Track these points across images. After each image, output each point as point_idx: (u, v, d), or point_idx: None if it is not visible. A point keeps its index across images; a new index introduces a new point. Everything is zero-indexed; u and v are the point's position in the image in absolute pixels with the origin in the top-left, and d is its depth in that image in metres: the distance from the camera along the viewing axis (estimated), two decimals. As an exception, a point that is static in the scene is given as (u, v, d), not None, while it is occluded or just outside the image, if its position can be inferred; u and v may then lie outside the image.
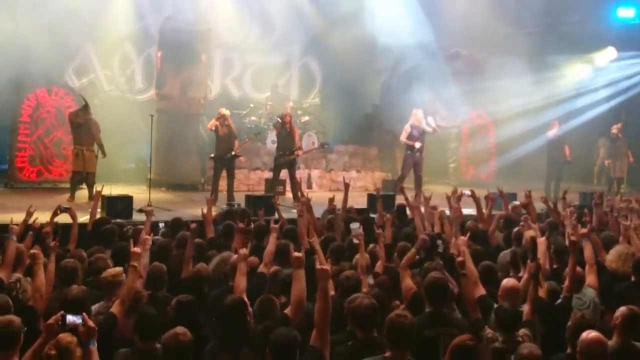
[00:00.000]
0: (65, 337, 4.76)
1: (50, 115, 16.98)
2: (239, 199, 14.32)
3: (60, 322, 4.68)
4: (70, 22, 16.68)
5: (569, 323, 5.64)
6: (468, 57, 21.76)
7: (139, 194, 14.27)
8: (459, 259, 6.30)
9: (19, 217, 9.06)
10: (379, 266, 7.81)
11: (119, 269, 6.79)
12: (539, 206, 12.26)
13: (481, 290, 6.39)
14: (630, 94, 22.89)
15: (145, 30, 19.09)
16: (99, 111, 15.95)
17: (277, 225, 7.89)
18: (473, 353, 4.98)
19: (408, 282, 6.81)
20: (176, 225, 9.79)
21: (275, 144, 16.57)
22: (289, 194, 15.96)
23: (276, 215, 11.07)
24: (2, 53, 15.05)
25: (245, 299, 6.11)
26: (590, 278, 7.18)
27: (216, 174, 15.49)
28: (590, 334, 5.19)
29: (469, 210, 11.87)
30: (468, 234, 7.63)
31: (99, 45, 18.84)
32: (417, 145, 16.82)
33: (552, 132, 18.69)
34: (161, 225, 10.12)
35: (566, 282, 6.91)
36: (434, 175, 21.29)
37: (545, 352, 5.43)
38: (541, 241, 7.53)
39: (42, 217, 9.19)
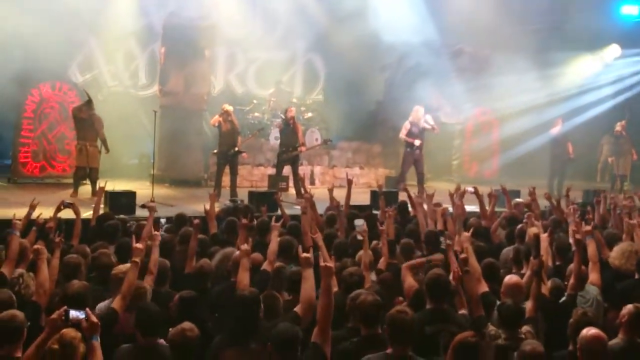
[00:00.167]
0: (70, 332, 4.77)
1: (53, 111, 17.00)
2: (242, 195, 14.32)
3: (63, 318, 4.69)
4: (75, 18, 16.70)
5: (571, 320, 5.64)
6: (472, 54, 21.74)
7: (142, 189, 14.30)
8: (462, 255, 6.30)
9: (22, 213, 9.06)
10: (382, 263, 7.81)
11: (128, 265, 6.80)
12: (542, 203, 12.25)
13: (484, 287, 6.37)
14: (635, 91, 22.89)
15: (149, 26, 19.08)
16: (102, 107, 15.98)
17: (278, 224, 7.85)
18: (475, 350, 4.98)
19: (410, 281, 6.82)
20: (180, 221, 9.80)
21: (279, 140, 16.57)
22: (292, 190, 15.96)
23: (279, 212, 11.08)
24: (7, 49, 15.05)
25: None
26: (593, 276, 7.17)
27: (219, 169, 15.50)
28: (590, 331, 5.19)
29: (472, 207, 11.87)
30: (471, 231, 7.61)
31: (102, 40, 18.85)
32: (417, 142, 16.80)
33: (556, 130, 18.69)
34: (162, 221, 10.12)
35: (571, 280, 6.89)
36: (437, 172, 21.31)
37: (548, 349, 5.44)
38: (543, 238, 7.51)
39: (45, 212, 9.19)
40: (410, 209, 11.54)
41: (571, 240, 8.48)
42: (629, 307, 5.71)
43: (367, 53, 20.57)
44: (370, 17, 19.14)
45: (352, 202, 11.55)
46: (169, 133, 17.09)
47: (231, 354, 5.54)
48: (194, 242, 7.94)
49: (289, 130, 15.83)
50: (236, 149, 15.33)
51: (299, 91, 22.36)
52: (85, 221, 9.43)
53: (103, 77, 19.43)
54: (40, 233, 8.15)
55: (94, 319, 4.78)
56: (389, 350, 5.11)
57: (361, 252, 7.56)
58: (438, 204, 10.94)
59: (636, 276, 7.45)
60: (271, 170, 17.45)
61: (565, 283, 7.14)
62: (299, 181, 15.16)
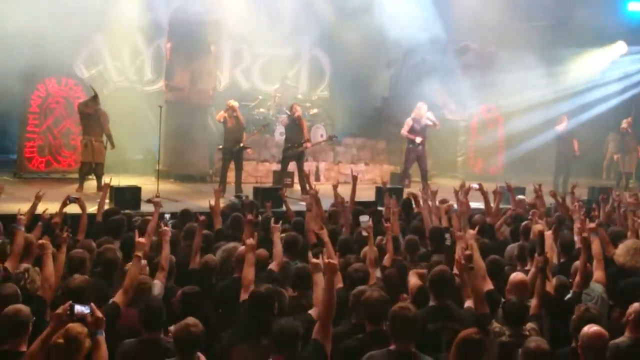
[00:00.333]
0: (76, 327, 4.78)
1: (59, 106, 17.00)
2: (247, 191, 14.33)
3: (68, 312, 4.70)
4: (81, 14, 16.71)
5: (574, 316, 5.64)
6: (478, 50, 21.68)
7: (147, 184, 14.33)
8: (467, 252, 6.29)
9: (27, 207, 9.09)
10: (386, 259, 7.81)
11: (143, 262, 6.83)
12: (548, 200, 12.24)
13: (489, 285, 6.36)
14: (641, 88, 22.84)
15: (154, 21, 19.06)
16: (108, 102, 15.98)
17: (277, 225, 7.79)
18: (479, 346, 4.98)
19: (416, 280, 6.82)
20: (184, 216, 9.81)
21: (284, 136, 16.57)
22: (297, 186, 15.97)
23: (284, 207, 11.09)
24: (13, 44, 15.04)
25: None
26: (598, 273, 7.16)
27: (224, 165, 15.51)
28: (591, 328, 5.18)
29: (476, 204, 11.86)
30: (477, 228, 7.61)
31: (108, 36, 18.83)
32: (418, 140, 16.79)
33: (561, 127, 18.66)
34: (167, 216, 10.13)
35: (577, 278, 6.88)
36: (442, 169, 21.28)
37: (553, 346, 5.43)
38: (548, 235, 7.49)
39: (51, 207, 9.22)
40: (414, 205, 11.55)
41: (576, 238, 8.49)
42: (635, 306, 5.70)
43: (373, 49, 20.54)
44: (376, 13, 19.11)
45: (357, 199, 11.54)
46: (174, 128, 17.09)
47: (242, 350, 5.55)
48: (199, 237, 7.94)
49: (295, 126, 15.84)
50: (241, 144, 15.34)
51: (305, 87, 22.34)
52: (91, 216, 9.45)
53: (109, 73, 19.43)
54: (46, 228, 8.18)
55: (99, 313, 4.79)
56: (392, 347, 5.11)
57: (366, 248, 7.56)
58: (445, 201, 10.94)
59: (641, 273, 7.44)
60: (276, 166, 17.45)
61: (570, 280, 7.14)
62: (304, 177, 15.18)
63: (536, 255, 6.67)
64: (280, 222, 8.56)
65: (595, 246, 7.39)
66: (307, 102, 20.80)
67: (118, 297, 6.02)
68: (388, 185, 12.92)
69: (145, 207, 12.04)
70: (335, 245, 7.89)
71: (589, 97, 22.07)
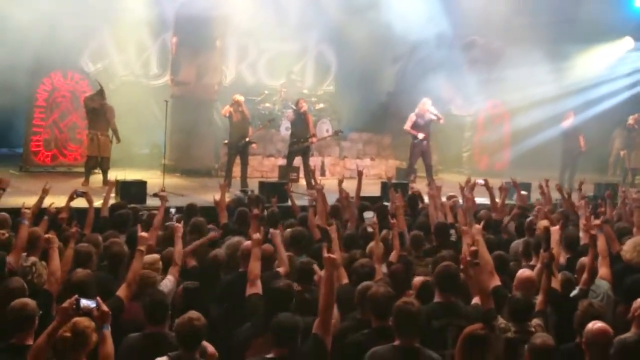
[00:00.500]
0: (83, 321, 4.79)
1: (65, 100, 17.02)
2: (253, 186, 14.35)
3: (74, 306, 4.71)
4: (87, 8, 16.72)
5: (577, 312, 5.63)
6: (484, 46, 21.63)
7: (153, 179, 14.34)
8: (472, 248, 6.28)
9: (33, 201, 9.12)
10: (393, 255, 7.80)
11: (155, 256, 6.83)
12: (554, 196, 12.24)
13: (496, 281, 6.33)
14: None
15: (160, 15, 19.03)
16: (113, 96, 16.00)
17: (277, 231, 7.61)
18: (484, 342, 4.98)
19: (419, 279, 6.83)
20: (190, 211, 9.83)
21: (289, 131, 16.58)
22: (303, 181, 15.97)
23: (289, 202, 11.08)
24: (19, 38, 15.05)
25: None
26: (603, 270, 7.13)
27: (230, 160, 15.52)
28: (596, 325, 5.17)
29: (481, 200, 11.86)
30: (482, 223, 7.59)
31: (114, 30, 18.84)
32: (420, 136, 16.79)
33: (567, 123, 18.63)
34: (172, 211, 10.15)
35: (584, 275, 6.87)
36: (447, 165, 21.30)
37: (559, 343, 5.42)
38: (554, 230, 7.45)
39: (57, 201, 9.23)
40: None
41: (581, 234, 8.48)
42: (639, 301, 5.69)
43: (379, 44, 20.52)
44: (382, 8, 19.07)
45: (362, 194, 11.55)
46: (180, 123, 17.10)
47: (259, 344, 5.56)
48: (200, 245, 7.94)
49: (300, 121, 15.83)
50: (247, 139, 15.35)
51: (310, 82, 22.32)
52: (95, 211, 9.45)
53: (114, 67, 19.45)
54: (52, 222, 8.19)
55: (105, 308, 4.79)
56: (396, 343, 5.11)
57: (372, 244, 7.55)
58: (453, 196, 10.95)
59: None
60: (282, 161, 17.45)
61: (575, 276, 7.13)
62: (309, 172, 15.18)
63: (542, 251, 6.65)
64: (280, 225, 8.57)
65: (601, 243, 7.36)
66: (313, 97, 20.81)
67: (121, 292, 6.04)
68: (393, 181, 12.90)
69: (151, 201, 12.06)
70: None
71: (596, 93, 22.05)
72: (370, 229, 7.82)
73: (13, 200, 10.12)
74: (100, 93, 15.07)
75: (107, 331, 4.79)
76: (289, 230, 8.55)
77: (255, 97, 20.08)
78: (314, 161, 17.82)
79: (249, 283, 6.28)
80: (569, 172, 18.36)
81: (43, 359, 4.78)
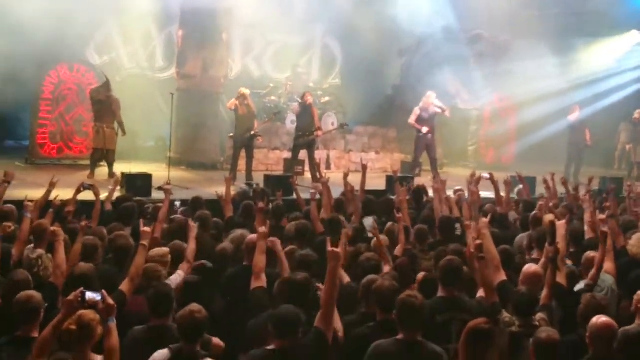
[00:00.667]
0: (89, 314, 4.81)
1: (71, 92, 17.04)
2: (258, 179, 14.35)
3: (79, 299, 4.73)
4: (93, 0, 16.74)
5: (580, 305, 5.63)
6: (490, 39, 21.59)
7: (159, 172, 14.35)
8: (477, 241, 6.26)
9: (39, 194, 9.14)
10: (398, 249, 7.80)
11: (165, 249, 6.83)
12: (560, 190, 12.23)
13: (502, 276, 6.31)
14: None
15: (166, 8, 19.04)
16: (119, 89, 15.99)
17: (276, 239, 7.11)
18: (488, 336, 4.97)
19: (422, 274, 6.83)
20: (195, 204, 9.83)
21: (295, 124, 16.57)
22: (308, 175, 15.97)
23: (294, 195, 11.09)
24: (25, 31, 15.06)
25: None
26: (608, 264, 7.11)
27: (235, 153, 15.54)
28: (600, 319, 5.18)
29: (487, 194, 11.85)
30: (489, 217, 7.57)
31: (120, 23, 18.88)
32: (424, 130, 16.77)
33: (573, 117, 18.59)
34: (177, 204, 10.16)
35: (592, 270, 6.87)
36: (453, 158, 21.28)
37: (564, 337, 5.42)
38: (561, 224, 7.37)
39: (62, 193, 9.25)
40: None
41: (586, 228, 8.48)
42: None
43: (385, 37, 20.51)
44: (389, 1, 19.06)
45: (367, 187, 11.55)
46: (185, 116, 17.10)
47: None
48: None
49: (306, 114, 15.81)
50: (252, 132, 15.35)
51: (316, 75, 22.33)
52: (101, 203, 9.46)
53: (120, 59, 19.49)
54: (58, 215, 8.21)
55: (110, 301, 4.80)
56: (399, 336, 5.11)
57: (375, 241, 7.51)
58: (459, 190, 10.94)
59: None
60: (287, 154, 17.45)
61: (580, 269, 7.13)
62: (314, 165, 15.17)
63: (547, 245, 6.64)
64: (285, 218, 8.54)
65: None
66: (319, 90, 20.80)
67: (124, 285, 6.03)
68: (399, 174, 12.88)
69: (156, 194, 12.06)
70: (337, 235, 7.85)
71: (602, 86, 21.99)
72: (371, 235, 7.79)
73: (18, 192, 10.15)
74: (106, 85, 15.08)
75: (113, 324, 4.80)
76: (293, 223, 8.55)
77: (261, 90, 20.07)
78: (319, 154, 17.80)
79: (254, 276, 6.25)
80: (575, 165, 18.32)
81: (48, 352, 4.79)
